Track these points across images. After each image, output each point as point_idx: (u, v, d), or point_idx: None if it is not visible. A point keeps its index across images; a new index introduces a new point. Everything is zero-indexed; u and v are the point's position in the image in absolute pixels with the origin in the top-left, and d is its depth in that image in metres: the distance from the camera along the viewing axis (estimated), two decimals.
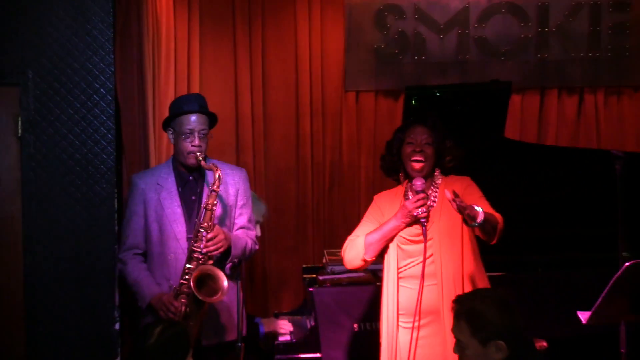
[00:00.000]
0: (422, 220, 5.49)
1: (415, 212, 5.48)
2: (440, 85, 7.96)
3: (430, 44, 8.21)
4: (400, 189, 5.80)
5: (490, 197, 5.87)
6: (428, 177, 5.65)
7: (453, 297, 5.42)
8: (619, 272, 5.15)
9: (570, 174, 7.14)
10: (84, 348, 6.33)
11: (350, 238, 5.76)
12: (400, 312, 5.59)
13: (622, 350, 5.55)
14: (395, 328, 5.58)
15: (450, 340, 5.35)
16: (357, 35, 8.17)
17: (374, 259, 5.64)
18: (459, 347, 4.29)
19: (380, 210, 5.72)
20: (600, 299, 5.21)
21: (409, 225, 5.57)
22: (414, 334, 5.53)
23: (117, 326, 6.32)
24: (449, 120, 6.72)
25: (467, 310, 4.29)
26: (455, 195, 5.25)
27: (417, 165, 5.58)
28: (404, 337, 5.58)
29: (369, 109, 8.23)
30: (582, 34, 8.29)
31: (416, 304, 5.49)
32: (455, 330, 4.31)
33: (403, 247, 5.61)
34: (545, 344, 6.22)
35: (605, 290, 5.18)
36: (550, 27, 8.26)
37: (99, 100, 6.36)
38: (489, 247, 5.76)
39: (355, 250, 5.68)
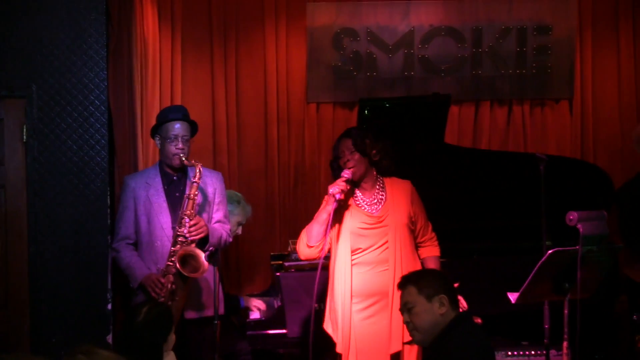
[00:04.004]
0: (335, 194, 5.54)
1: (331, 190, 5.56)
2: (389, 97, 7.95)
3: (381, 62, 8.19)
4: None
5: (433, 194, 5.89)
6: (365, 176, 5.72)
7: None
8: (543, 258, 5.19)
9: (501, 174, 7.15)
10: (81, 325, 6.31)
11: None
12: (352, 294, 5.62)
13: (546, 326, 5.58)
14: (349, 310, 5.59)
15: (396, 317, 5.40)
16: (317, 54, 8.14)
17: (317, 244, 5.68)
18: (406, 308, 4.31)
19: None
20: (527, 282, 5.25)
21: (338, 207, 5.63)
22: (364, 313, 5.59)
23: (109, 306, 6.29)
24: (397, 128, 6.75)
25: (412, 276, 4.40)
26: None
27: (347, 173, 5.63)
28: (356, 317, 5.60)
29: (327, 118, 8.21)
30: (511, 54, 8.29)
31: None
32: (404, 295, 4.33)
33: (357, 236, 5.62)
34: (479, 320, 6.22)
35: (532, 274, 5.22)
36: (483, 47, 8.26)
37: (93, 111, 6.33)
38: None
39: (302, 240, 5.77)
